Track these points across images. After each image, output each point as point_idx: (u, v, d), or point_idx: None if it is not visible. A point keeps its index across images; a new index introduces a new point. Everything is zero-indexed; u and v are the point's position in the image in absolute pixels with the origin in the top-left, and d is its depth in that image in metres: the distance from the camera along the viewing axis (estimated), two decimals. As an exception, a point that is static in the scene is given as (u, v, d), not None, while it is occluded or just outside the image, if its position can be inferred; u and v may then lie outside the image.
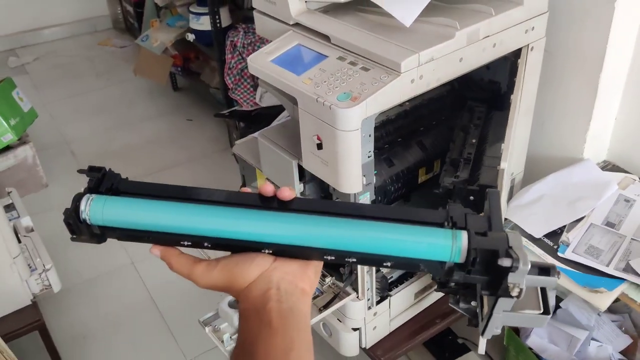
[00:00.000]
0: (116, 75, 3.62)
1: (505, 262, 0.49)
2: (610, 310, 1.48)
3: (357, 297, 1.34)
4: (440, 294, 1.54)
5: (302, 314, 0.55)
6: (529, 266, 0.49)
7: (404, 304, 1.46)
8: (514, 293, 0.50)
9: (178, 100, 3.31)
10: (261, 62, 1.22)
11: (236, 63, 2.60)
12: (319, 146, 1.13)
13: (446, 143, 1.33)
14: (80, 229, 0.57)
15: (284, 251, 0.57)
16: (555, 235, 1.37)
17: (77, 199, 0.56)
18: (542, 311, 0.54)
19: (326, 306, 1.32)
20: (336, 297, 1.34)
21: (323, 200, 0.66)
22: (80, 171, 0.59)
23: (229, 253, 0.59)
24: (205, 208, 0.56)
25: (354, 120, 1.04)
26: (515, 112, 1.20)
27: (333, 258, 0.56)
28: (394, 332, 1.48)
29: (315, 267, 0.59)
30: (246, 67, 2.63)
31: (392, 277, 1.42)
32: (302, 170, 1.28)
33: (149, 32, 2.98)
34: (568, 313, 1.55)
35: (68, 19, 4.12)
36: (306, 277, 0.57)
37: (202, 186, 0.61)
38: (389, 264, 0.56)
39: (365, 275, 1.31)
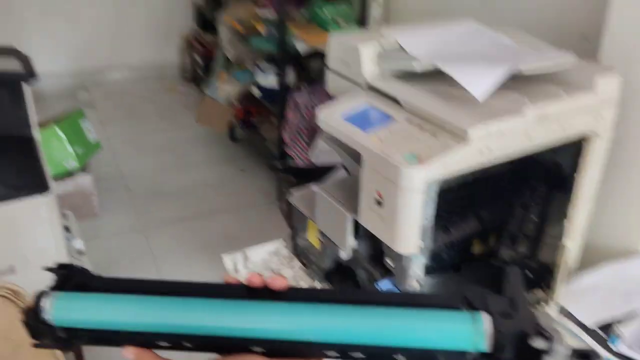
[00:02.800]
0: (177, 121, 3.75)
1: (539, 343, 0.42)
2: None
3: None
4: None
5: None
6: (569, 348, 0.42)
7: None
8: None
9: (234, 150, 3.40)
10: (331, 117, 1.26)
11: (296, 121, 2.67)
12: (379, 203, 1.15)
13: (503, 218, 1.32)
14: (41, 331, 0.49)
15: (277, 349, 0.48)
16: (607, 327, 1.32)
17: (39, 296, 0.49)
18: None
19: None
20: None
21: (321, 289, 0.57)
22: (47, 269, 0.53)
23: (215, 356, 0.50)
24: (184, 301, 0.49)
25: (419, 181, 1.06)
26: (579, 193, 1.20)
27: (335, 353, 0.48)
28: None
29: None
30: (304, 126, 2.70)
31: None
32: (356, 226, 1.29)
33: (217, 83, 3.11)
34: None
35: (139, 63, 4.34)
36: None
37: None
38: (400, 357, 0.47)
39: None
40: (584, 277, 1.44)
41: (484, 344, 0.44)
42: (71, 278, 0.51)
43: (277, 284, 0.49)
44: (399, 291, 1.24)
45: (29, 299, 0.82)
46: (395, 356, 0.47)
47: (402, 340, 0.46)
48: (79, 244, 1.77)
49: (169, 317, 0.48)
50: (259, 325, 0.47)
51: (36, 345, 0.50)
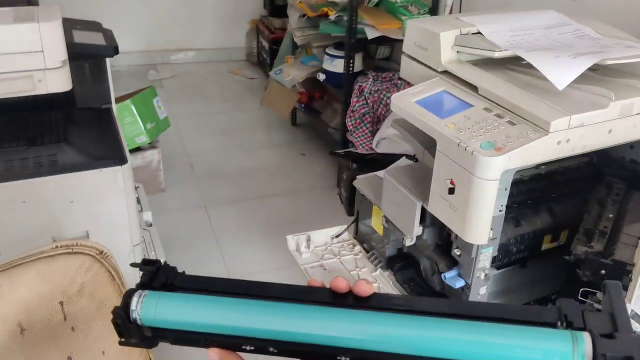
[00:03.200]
0: (241, 103, 3.82)
1: None
2: None
3: None
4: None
5: None
6: None
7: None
8: None
9: (295, 134, 3.43)
10: (405, 102, 1.25)
11: (360, 107, 2.67)
12: (451, 191, 1.14)
13: (576, 215, 1.29)
14: (129, 330, 0.50)
15: (363, 358, 0.47)
16: (681, 334, 1.27)
17: (128, 295, 0.49)
18: None
19: None
20: None
21: (405, 296, 0.55)
22: (134, 265, 0.54)
23: None
24: (270, 305, 0.49)
25: (495, 169, 1.04)
26: (662, 193, 1.15)
27: None
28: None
29: None
30: (368, 112, 2.70)
31: None
32: (423, 213, 1.29)
33: (283, 67, 3.14)
34: None
35: (207, 46, 4.43)
36: None
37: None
38: None
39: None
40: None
41: None
42: (158, 275, 0.52)
43: (363, 289, 0.48)
44: (465, 283, 1.23)
45: (113, 259, 0.86)
46: None
47: (494, 358, 0.44)
48: (147, 215, 1.83)
49: (254, 321, 0.48)
50: (346, 334, 0.47)
51: (122, 344, 0.51)
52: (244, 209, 2.69)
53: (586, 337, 0.42)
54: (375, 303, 0.48)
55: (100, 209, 1.56)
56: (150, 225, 1.83)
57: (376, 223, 1.54)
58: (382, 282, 1.51)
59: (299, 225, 2.35)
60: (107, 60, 1.72)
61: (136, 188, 1.98)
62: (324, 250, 1.65)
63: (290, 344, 0.48)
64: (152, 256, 1.68)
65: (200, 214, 2.64)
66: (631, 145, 1.32)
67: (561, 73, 1.13)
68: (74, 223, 1.56)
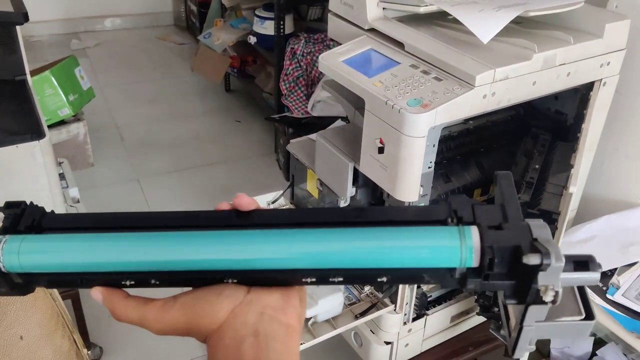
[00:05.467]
0: (171, 70, 3.69)
1: (532, 259, 0.38)
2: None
3: (395, 310, 1.32)
4: (476, 322, 1.51)
5: None
6: (564, 261, 0.38)
7: (439, 325, 1.43)
8: (548, 298, 0.39)
9: (229, 101, 3.36)
10: (332, 61, 1.22)
11: (293, 70, 2.63)
12: (381, 150, 1.13)
13: (505, 167, 1.31)
14: None
15: (252, 278, 0.45)
16: (605, 276, 1.33)
17: None
18: (584, 316, 0.44)
19: (362, 314, 1.30)
20: (373, 307, 1.32)
21: (290, 209, 0.52)
22: None
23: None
24: (145, 236, 0.45)
25: (422, 126, 1.04)
26: (584, 141, 1.18)
27: (314, 280, 0.44)
28: (425, 353, 1.45)
29: (300, 293, 0.46)
30: (302, 75, 2.66)
31: (431, 295, 1.40)
32: (356, 174, 1.28)
33: (212, 31, 3.04)
34: (605, 362, 1.50)
35: (132, 11, 4.24)
36: (290, 307, 0.45)
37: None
38: (384, 279, 0.44)
39: (406, 289, 1.29)
40: (583, 227, 1.44)
41: (472, 260, 0.41)
42: (23, 218, 0.47)
43: (244, 201, 0.45)
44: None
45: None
46: (379, 278, 0.44)
47: (385, 262, 0.43)
48: (74, 191, 1.75)
49: (131, 254, 0.45)
50: (230, 256, 0.44)
51: None
52: (179, 180, 2.62)
53: (474, 230, 0.41)
54: (261, 220, 0.46)
55: (20, 186, 1.48)
56: (78, 201, 1.75)
57: (311, 186, 1.52)
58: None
59: (237, 193, 2.31)
60: (18, 28, 1.61)
61: (60, 163, 1.89)
62: (260, 216, 1.62)
63: (171, 274, 0.44)
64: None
65: (133, 187, 2.56)
66: (556, 97, 1.35)
67: (485, 26, 1.13)
68: (-8, 203, 1.47)
